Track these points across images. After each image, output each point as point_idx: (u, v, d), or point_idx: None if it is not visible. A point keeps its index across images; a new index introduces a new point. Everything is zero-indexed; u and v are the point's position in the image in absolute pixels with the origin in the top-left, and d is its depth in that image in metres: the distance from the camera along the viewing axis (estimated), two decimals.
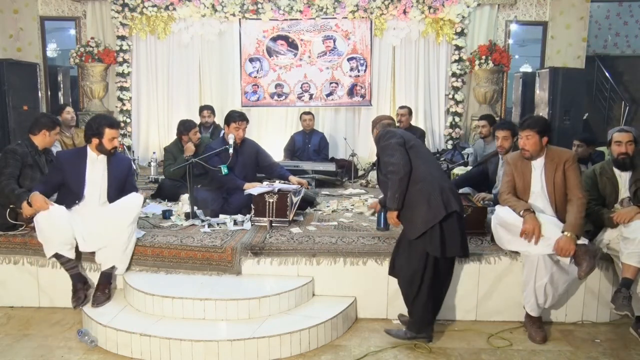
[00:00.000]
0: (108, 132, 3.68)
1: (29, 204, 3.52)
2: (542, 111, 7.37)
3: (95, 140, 3.70)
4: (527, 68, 11.26)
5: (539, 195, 3.43)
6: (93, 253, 3.61)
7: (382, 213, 4.02)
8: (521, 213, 3.29)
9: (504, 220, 3.39)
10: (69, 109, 5.55)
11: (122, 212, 3.58)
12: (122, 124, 8.13)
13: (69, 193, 3.70)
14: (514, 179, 3.51)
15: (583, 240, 3.20)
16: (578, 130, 7.09)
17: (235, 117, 4.67)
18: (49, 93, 8.49)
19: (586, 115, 8.21)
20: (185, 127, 5.42)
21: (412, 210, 3.12)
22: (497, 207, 3.50)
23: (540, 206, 3.42)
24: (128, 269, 3.66)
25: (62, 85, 8.58)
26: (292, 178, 4.69)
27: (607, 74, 9.89)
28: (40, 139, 4.00)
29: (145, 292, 3.36)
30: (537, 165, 3.45)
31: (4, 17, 8.14)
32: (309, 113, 7.39)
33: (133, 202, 3.65)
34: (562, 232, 3.19)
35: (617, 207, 3.55)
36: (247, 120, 4.75)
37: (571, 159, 3.38)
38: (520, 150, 3.49)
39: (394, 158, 3.11)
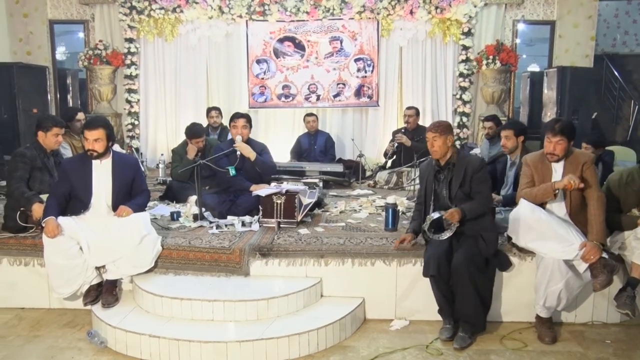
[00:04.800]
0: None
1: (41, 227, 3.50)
2: (550, 111, 7.34)
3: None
4: (534, 67, 11.19)
5: (556, 197, 3.41)
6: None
7: (391, 213, 4.02)
8: (553, 189, 3.29)
9: (528, 217, 3.34)
10: (80, 115, 5.52)
11: (131, 227, 3.54)
12: (131, 126, 8.18)
13: (76, 201, 3.65)
14: (533, 181, 3.48)
15: (604, 254, 3.19)
16: (587, 130, 7.05)
17: (231, 118, 4.71)
18: (58, 96, 8.54)
19: (595, 115, 8.16)
20: (189, 133, 5.37)
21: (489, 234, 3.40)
22: (520, 204, 3.45)
23: (556, 209, 3.41)
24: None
25: (71, 88, 8.62)
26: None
27: (616, 72, 9.81)
28: (41, 141, 4.03)
29: (154, 294, 3.38)
30: (558, 168, 3.42)
31: (14, 21, 8.21)
32: (312, 114, 7.40)
33: (138, 218, 3.62)
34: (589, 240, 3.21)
35: (635, 212, 3.52)
36: (244, 117, 4.69)
37: (589, 162, 3.37)
38: (544, 153, 3.43)
39: (489, 192, 3.51)
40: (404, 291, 3.59)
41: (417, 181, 5.63)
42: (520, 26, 8.22)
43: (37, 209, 3.70)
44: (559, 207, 3.40)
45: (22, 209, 3.81)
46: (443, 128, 3.46)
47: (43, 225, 3.46)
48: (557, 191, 3.30)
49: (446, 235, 3.35)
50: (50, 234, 3.39)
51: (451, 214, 3.31)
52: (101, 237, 3.53)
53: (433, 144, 3.45)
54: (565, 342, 3.30)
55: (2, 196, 4.51)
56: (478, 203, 3.37)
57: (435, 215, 3.35)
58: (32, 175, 3.94)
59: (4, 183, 5.03)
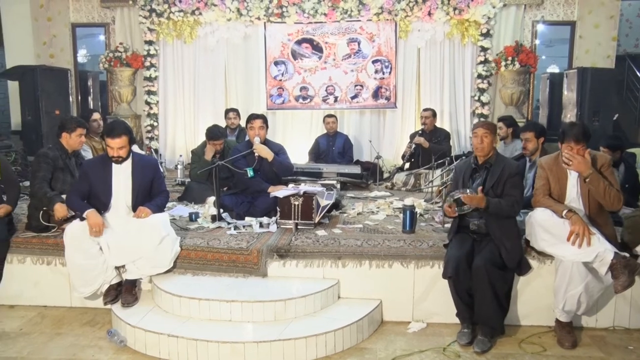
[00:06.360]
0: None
1: (80, 217, 3.57)
2: (570, 112, 7.24)
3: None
4: (554, 69, 11.06)
5: (573, 200, 3.39)
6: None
7: (408, 215, 4.01)
8: (564, 214, 3.24)
9: (545, 221, 3.31)
10: (96, 115, 5.62)
11: (151, 227, 3.56)
12: (150, 127, 8.28)
13: (96, 201, 3.69)
14: (548, 183, 3.45)
15: (624, 254, 3.15)
16: (608, 132, 6.94)
17: (247, 119, 4.73)
18: (80, 98, 8.68)
19: (616, 116, 8.02)
20: (209, 135, 5.42)
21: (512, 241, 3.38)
22: (536, 209, 3.44)
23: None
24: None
25: (91, 90, 8.75)
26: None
27: (638, 73, 9.65)
28: (64, 142, 4.11)
29: (172, 294, 3.41)
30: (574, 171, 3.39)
31: (38, 25, 8.37)
32: (332, 115, 7.41)
33: (158, 219, 3.64)
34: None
35: None
36: (260, 118, 4.69)
37: (607, 164, 3.33)
38: (561, 158, 3.37)
39: (521, 198, 3.45)
40: (421, 293, 3.58)
41: (435, 183, 5.63)
42: (540, 27, 8.12)
43: (59, 209, 3.77)
44: (578, 209, 3.36)
45: (44, 208, 3.89)
46: (493, 127, 3.51)
47: (85, 217, 3.50)
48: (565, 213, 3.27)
49: (465, 210, 3.38)
50: (96, 227, 3.46)
51: (470, 198, 3.29)
52: (121, 237, 3.57)
53: (483, 140, 3.44)
54: (585, 347, 3.26)
55: (26, 196, 4.59)
56: (506, 203, 3.35)
57: (457, 194, 3.37)
58: (54, 175, 4.02)
59: (27, 183, 5.13)
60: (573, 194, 3.40)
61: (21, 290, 3.88)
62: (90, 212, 3.52)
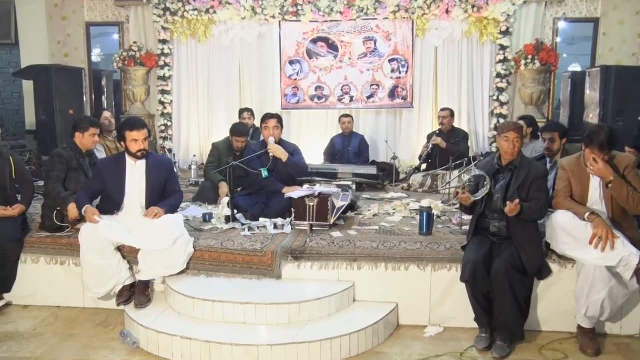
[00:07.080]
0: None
1: (80, 215, 3.58)
2: (593, 112, 7.08)
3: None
4: (576, 67, 10.83)
5: (596, 203, 3.29)
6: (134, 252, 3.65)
7: (425, 217, 3.93)
8: (587, 217, 3.15)
9: (566, 224, 3.23)
10: (106, 114, 5.64)
11: (165, 228, 3.54)
12: (164, 127, 8.28)
13: (109, 201, 3.71)
14: (570, 185, 3.36)
15: None
16: (633, 132, 6.76)
17: (262, 119, 4.69)
18: (94, 97, 8.71)
19: None
20: (233, 131, 5.39)
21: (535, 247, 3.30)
22: (557, 212, 3.35)
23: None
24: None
25: (105, 89, 8.77)
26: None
27: None
28: (78, 142, 4.11)
29: (186, 295, 3.39)
30: None
31: (53, 25, 8.41)
32: (348, 115, 7.34)
33: (172, 219, 3.62)
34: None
35: None
36: (275, 118, 4.66)
37: (631, 165, 3.22)
38: (589, 167, 3.23)
39: (547, 201, 3.37)
40: (438, 297, 3.51)
41: (452, 184, 5.54)
42: (561, 24, 7.94)
43: (73, 209, 3.76)
44: (600, 212, 3.26)
45: (58, 208, 3.88)
46: (522, 129, 3.47)
47: (83, 214, 3.53)
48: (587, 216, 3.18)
49: (479, 195, 3.30)
50: (94, 221, 3.47)
51: (510, 210, 3.19)
52: (135, 236, 3.56)
53: (515, 145, 3.35)
54: (609, 355, 3.16)
55: (40, 196, 4.61)
56: (536, 208, 3.26)
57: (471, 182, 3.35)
58: (68, 175, 4.01)
59: (41, 183, 5.15)
60: (595, 197, 3.31)
61: (35, 290, 3.89)
62: (87, 208, 3.55)
